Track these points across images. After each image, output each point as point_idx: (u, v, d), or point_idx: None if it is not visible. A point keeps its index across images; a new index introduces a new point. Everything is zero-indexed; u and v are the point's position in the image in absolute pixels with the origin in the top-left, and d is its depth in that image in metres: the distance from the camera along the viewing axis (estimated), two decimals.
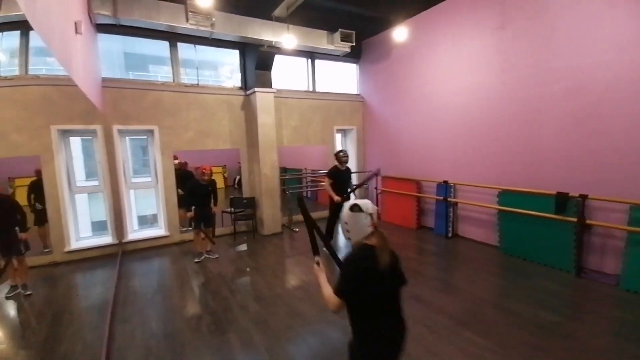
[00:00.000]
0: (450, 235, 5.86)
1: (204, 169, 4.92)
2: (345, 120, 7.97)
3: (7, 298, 3.98)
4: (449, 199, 5.80)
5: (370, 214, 1.67)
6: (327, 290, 1.66)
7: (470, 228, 5.74)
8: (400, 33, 6.03)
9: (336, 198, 4.93)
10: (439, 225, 6.07)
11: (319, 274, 1.77)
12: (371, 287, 1.58)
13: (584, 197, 4.00)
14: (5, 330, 3.49)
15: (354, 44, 6.63)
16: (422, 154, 6.55)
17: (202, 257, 5.16)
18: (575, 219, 4.04)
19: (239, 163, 7.01)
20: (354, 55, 7.57)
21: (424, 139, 6.48)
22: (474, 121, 5.47)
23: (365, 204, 1.69)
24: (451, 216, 5.87)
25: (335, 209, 5.03)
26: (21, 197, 9.71)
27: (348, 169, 5.27)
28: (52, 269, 4.93)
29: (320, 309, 3.51)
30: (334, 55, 7.20)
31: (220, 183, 10.75)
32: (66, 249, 5.17)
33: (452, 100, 5.81)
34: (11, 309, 3.85)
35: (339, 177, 5.13)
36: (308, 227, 1.93)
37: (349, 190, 5.19)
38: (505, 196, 4.92)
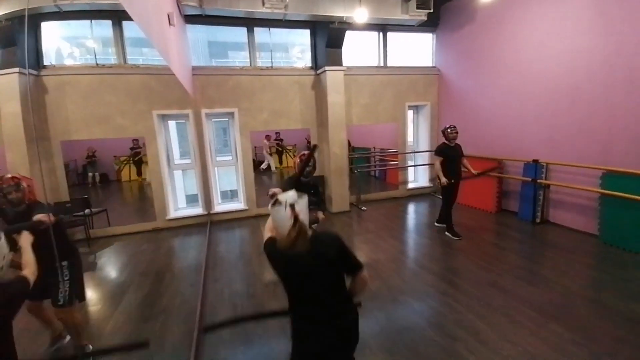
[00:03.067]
0: (538, 220, 5.25)
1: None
2: (419, 96, 7.53)
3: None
4: (539, 181, 5.17)
5: (291, 205, 1.48)
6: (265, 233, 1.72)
7: (565, 214, 5.06)
8: None
9: (443, 180, 4.55)
10: (524, 210, 5.49)
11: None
12: (283, 272, 1.60)
13: None
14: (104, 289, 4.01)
15: (431, 11, 6.10)
16: (507, 130, 5.89)
17: None
18: None
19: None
20: (430, 24, 7.00)
21: (511, 113, 5.78)
22: (573, 93, 4.68)
23: (286, 195, 1.52)
24: (541, 200, 5.24)
25: (448, 192, 4.74)
26: (126, 174, 11.40)
27: (458, 146, 4.80)
28: (156, 234, 5.86)
29: (388, 287, 3.55)
30: (407, 25, 6.76)
31: (291, 162, 11.30)
32: (167, 217, 6.08)
33: (547, 69, 5.03)
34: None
35: (449, 153, 4.71)
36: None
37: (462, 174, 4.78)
38: (610, 178, 4.22)
